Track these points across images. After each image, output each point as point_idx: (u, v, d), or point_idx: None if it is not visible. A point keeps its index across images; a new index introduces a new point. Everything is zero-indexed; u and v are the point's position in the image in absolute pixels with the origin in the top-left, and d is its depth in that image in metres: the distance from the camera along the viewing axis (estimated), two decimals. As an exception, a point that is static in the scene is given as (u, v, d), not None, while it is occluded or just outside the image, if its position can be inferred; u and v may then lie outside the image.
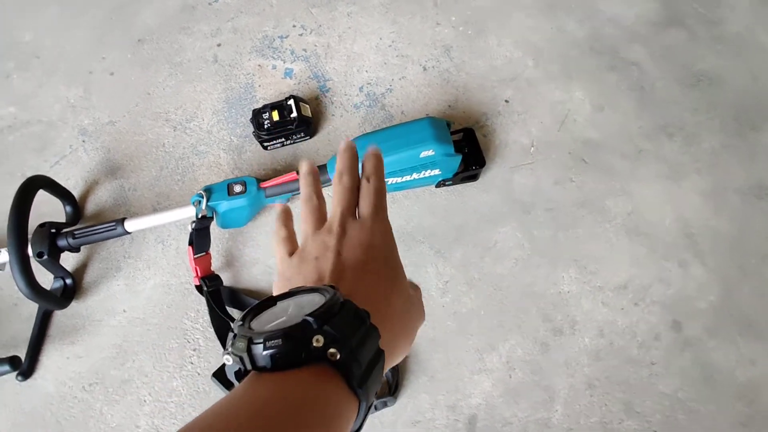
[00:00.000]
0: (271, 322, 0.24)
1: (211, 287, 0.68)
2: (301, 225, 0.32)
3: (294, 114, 0.76)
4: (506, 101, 0.82)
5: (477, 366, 0.66)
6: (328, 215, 0.32)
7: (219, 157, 0.81)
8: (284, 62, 0.88)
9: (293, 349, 0.22)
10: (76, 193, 0.78)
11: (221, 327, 0.68)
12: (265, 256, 0.74)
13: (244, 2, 0.94)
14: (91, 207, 0.79)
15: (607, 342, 0.67)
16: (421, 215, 0.75)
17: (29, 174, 0.81)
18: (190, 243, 0.67)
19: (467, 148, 0.73)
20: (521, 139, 0.79)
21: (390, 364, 0.28)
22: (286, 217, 0.34)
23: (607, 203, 0.74)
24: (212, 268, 0.70)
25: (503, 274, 0.71)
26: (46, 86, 0.88)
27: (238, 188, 0.69)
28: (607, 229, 0.73)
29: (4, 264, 0.71)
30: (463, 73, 0.84)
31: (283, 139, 0.78)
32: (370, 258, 0.29)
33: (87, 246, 0.75)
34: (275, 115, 0.77)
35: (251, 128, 0.80)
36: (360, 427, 0.24)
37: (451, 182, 0.73)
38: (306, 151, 0.80)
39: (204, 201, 0.67)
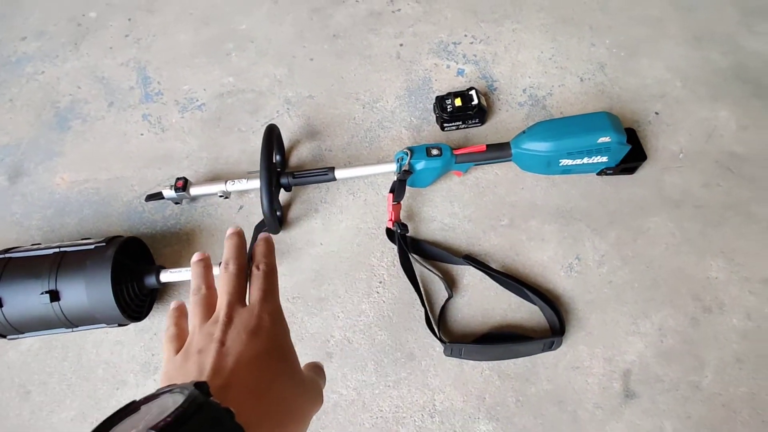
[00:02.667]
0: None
1: (402, 231, 0.79)
2: (190, 318, 0.32)
3: (475, 101, 0.88)
4: (656, 113, 0.91)
5: (631, 329, 0.73)
6: (216, 306, 0.32)
7: (401, 132, 0.94)
8: (457, 63, 1.01)
9: None
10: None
11: (407, 266, 0.78)
12: (441, 215, 0.85)
13: (422, 14, 1.08)
14: (293, 160, 0.93)
15: (755, 325, 0.72)
16: (579, 198, 0.83)
17: (244, 129, 0.97)
18: (392, 191, 0.79)
19: (631, 144, 0.82)
20: (670, 146, 0.87)
21: None
22: (178, 314, 0.34)
23: (752, 208, 0.81)
24: (399, 218, 0.82)
25: (655, 255, 0.78)
26: (258, 64, 1.05)
27: (435, 152, 0.80)
28: (754, 229, 0.79)
29: (229, 193, 0.85)
30: (617, 87, 0.94)
31: (459, 122, 0.90)
32: (256, 343, 0.29)
33: (294, 189, 0.88)
34: (458, 101, 0.89)
35: (429, 112, 0.93)
36: None
37: (611, 171, 0.82)
38: (476, 134, 0.91)
39: (408, 157, 0.79)
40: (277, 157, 0.90)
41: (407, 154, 0.80)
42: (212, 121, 0.98)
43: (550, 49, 1.00)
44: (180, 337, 0.32)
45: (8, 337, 0.72)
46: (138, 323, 0.77)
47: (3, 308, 0.67)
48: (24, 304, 0.67)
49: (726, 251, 0.77)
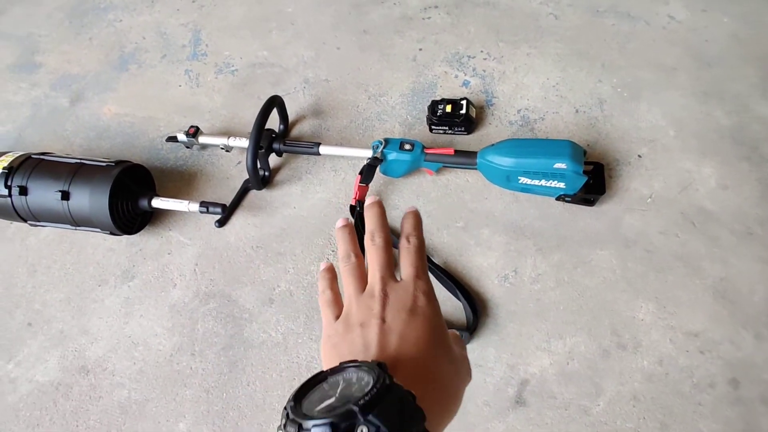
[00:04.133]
0: (322, 402, 0.25)
1: (361, 210, 0.86)
2: (344, 285, 0.33)
3: (463, 111, 0.93)
4: (639, 156, 0.91)
5: (542, 345, 0.76)
6: (369, 276, 0.32)
7: (394, 126, 1.01)
8: (465, 75, 1.06)
9: None
10: (289, 118, 1.03)
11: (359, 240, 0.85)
12: (404, 205, 0.91)
13: (449, 25, 1.14)
14: (294, 132, 1.03)
15: (664, 371, 0.72)
16: (536, 218, 0.87)
17: (262, 98, 1.07)
18: (360, 173, 0.86)
19: (593, 178, 0.84)
20: (642, 189, 0.88)
21: (436, 431, 0.28)
22: (331, 277, 0.35)
23: (703, 264, 0.80)
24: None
25: (589, 285, 0.80)
26: (291, 44, 1.16)
27: (407, 146, 0.87)
28: (697, 284, 0.78)
29: (231, 148, 0.97)
30: (609, 124, 0.96)
31: (446, 128, 0.96)
32: (415, 323, 0.29)
33: (286, 155, 0.98)
34: (448, 108, 0.95)
35: (425, 113, 0.99)
36: None
37: (569, 199, 0.84)
38: (460, 142, 0.96)
39: (381, 147, 0.86)
40: (281, 126, 1.01)
41: (381, 144, 0.87)
42: (239, 86, 1.10)
43: (557, 78, 1.03)
44: (337, 302, 0.33)
45: (29, 222, 0.87)
46: (130, 237, 0.91)
47: (28, 197, 0.82)
48: (42, 197, 0.82)
49: (660, 298, 0.78)
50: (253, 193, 0.95)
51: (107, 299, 0.87)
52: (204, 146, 1.01)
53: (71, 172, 0.83)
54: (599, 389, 0.72)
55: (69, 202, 0.82)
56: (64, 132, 1.08)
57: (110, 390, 0.79)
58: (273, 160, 0.97)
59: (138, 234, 0.91)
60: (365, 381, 0.25)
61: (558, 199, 0.85)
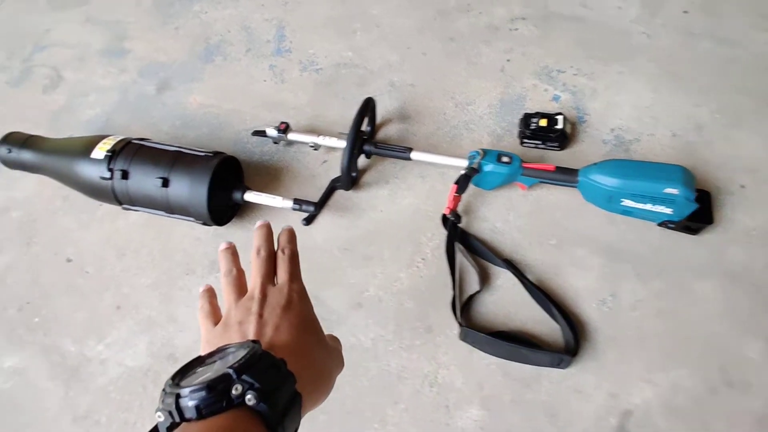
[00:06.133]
0: (199, 378, 0.26)
1: (455, 220, 0.83)
2: (224, 297, 0.36)
3: (559, 126, 0.89)
4: (742, 186, 0.86)
5: (645, 375, 0.72)
6: (249, 286, 0.36)
7: (482, 136, 0.97)
8: (555, 89, 1.02)
9: (215, 399, 0.24)
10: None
11: (450, 253, 0.82)
12: (495, 218, 0.87)
13: (537, 37, 1.10)
14: (380, 134, 1.00)
15: (777, 415, 0.67)
16: (634, 242, 0.82)
17: (347, 98, 1.05)
18: (456, 182, 0.83)
19: (700, 205, 0.79)
20: (745, 220, 0.83)
21: (310, 406, 0.30)
22: (211, 294, 0.38)
23: (815, 304, 0.75)
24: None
25: (693, 317, 0.75)
26: (376, 46, 1.13)
27: (505, 159, 0.83)
28: (809, 325, 0.73)
29: (319, 146, 0.94)
30: (708, 151, 0.91)
31: (539, 142, 0.92)
32: (289, 316, 0.32)
33: (374, 158, 0.95)
34: (543, 122, 0.91)
35: (514, 126, 0.95)
36: None
37: (673, 226, 0.80)
38: (552, 157, 0.92)
39: (479, 158, 0.83)
40: (368, 128, 0.98)
41: (479, 154, 0.83)
42: (324, 85, 1.08)
43: (650, 99, 0.98)
44: (215, 314, 0.36)
45: (124, 206, 0.86)
46: (217, 228, 0.89)
47: (128, 181, 0.81)
48: (143, 182, 0.81)
49: (771, 337, 0.73)
50: (340, 193, 0.93)
51: (194, 289, 0.85)
52: (290, 142, 0.99)
53: (171, 159, 0.82)
54: (708, 428, 0.67)
55: (168, 189, 0.80)
56: (151, 119, 1.07)
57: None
58: (361, 161, 0.95)
59: (225, 226, 0.89)
60: (240, 354, 0.26)
61: (660, 224, 0.81)
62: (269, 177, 0.96)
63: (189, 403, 0.24)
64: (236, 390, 0.24)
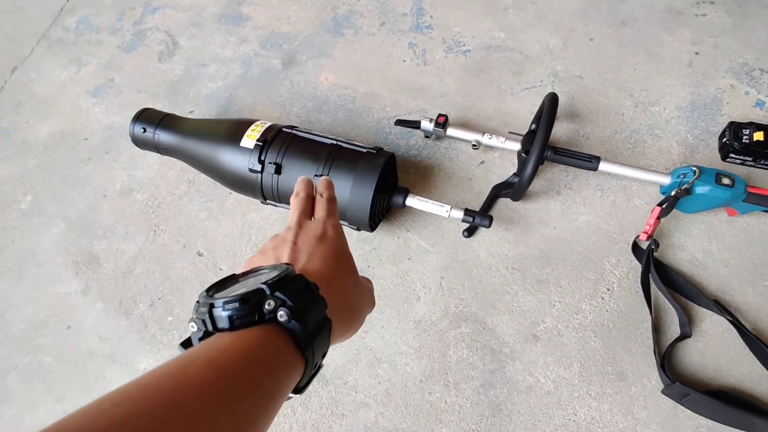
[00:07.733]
0: (233, 292, 0.26)
1: (654, 248, 0.70)
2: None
3: (783, 142, 0.74)
4: None
5: None
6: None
7: (671, 145, 0.82)
8: (758, 93, 0.85)
9: (248, 311, 0.24)
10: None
11: (646, 286, 0.69)
12: (693, 248, 0.74)
13: (730, 26, 0.92)
14: (545, 135, 0.86)
15: None
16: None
17: (503, 88, 0.91)
18: (660, 204, 0.69)
19: None
20: None
21: (338, 336, 0.30)
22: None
23: None
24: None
25: None
26: (533, 28, 0.98)
27: (726, 180, 0.69)
28: None
29: (480, 145, 0.82)
30: None
31: (750, 158, 0.77)
32: (323, 247, 0.32)
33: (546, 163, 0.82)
34: (759, 136, 0.75)
35: (710, 135, 0.80)
36: (306, 385, 0.27)
37: None
38: (764, 178, 0.77)
39: (694, 177, 0.69)
40: (533, 126, 0.84)
41: (694, 173, 0.69)
42: (474, 70, 0.94)
43: None
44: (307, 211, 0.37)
45: (267, 201, 0.76)
46: (363, 233, 0.79)
47: (280, 176, 0.71)
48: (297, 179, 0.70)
49: None
50: (503, 202, 0.81)
51: (343, 301, 0.76)
52: (441, 137, 0.86)
53: (330, 153, 0.71)
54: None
55: (327, 189, 0.70)
56: (278, 98, 0.97)
57: (354, 409, 0.68)
58: (529, 166, 0.82)
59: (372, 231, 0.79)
60: (273, 273, 0.27)
61: None
62: (418, 176, 0.85)
63: (222, 313, 0.24)
64: (269, 305, 0.24)
